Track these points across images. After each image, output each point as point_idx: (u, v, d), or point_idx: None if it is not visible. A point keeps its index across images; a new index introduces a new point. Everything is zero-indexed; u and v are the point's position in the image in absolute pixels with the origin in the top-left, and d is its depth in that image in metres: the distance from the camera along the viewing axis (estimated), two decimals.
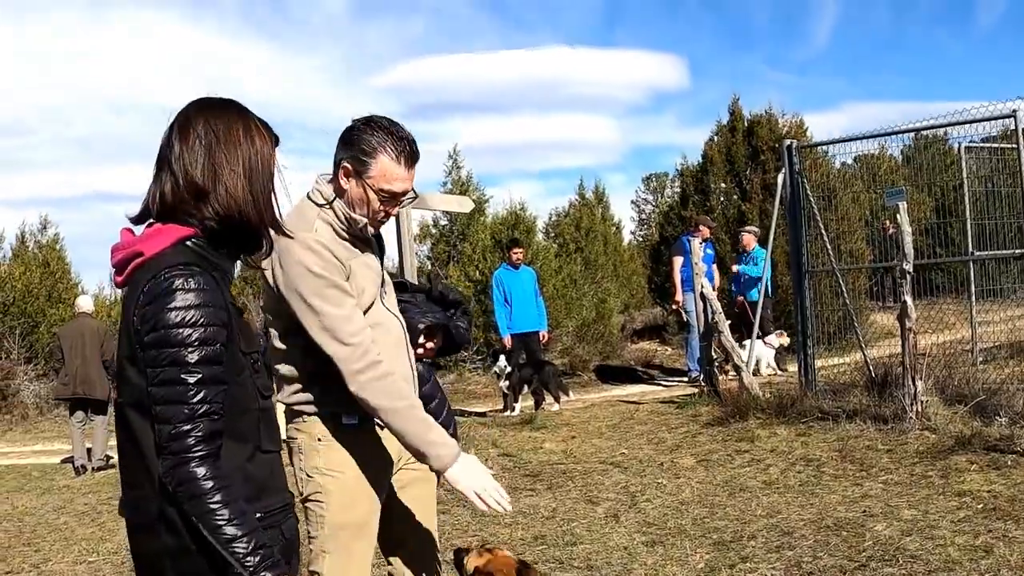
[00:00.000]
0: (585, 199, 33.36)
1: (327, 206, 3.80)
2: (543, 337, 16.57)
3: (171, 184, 2.74)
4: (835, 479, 8.79)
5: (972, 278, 13.67)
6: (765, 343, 16.53)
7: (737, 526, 7.63)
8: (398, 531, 4.14)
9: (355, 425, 3.87)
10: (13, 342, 21.87)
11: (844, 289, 12.69)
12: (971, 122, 11.52)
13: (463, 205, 13.88)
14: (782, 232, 14.87)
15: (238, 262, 2.99)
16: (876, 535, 6.97)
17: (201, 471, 2.52)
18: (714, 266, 17.28)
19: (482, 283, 21.56)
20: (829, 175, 14.68)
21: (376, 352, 3.65)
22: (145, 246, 2.68)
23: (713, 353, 14.06)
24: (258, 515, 2.69)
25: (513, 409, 15.25)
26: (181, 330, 2.54)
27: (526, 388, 15.53)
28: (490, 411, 16.36)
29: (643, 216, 66.72)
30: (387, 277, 4.09)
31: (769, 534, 7.32)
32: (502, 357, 15.36)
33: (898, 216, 10.44)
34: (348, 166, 3.77)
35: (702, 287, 13.92)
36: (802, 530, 7.33)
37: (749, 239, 17.21)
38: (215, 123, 2.77)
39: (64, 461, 14.60)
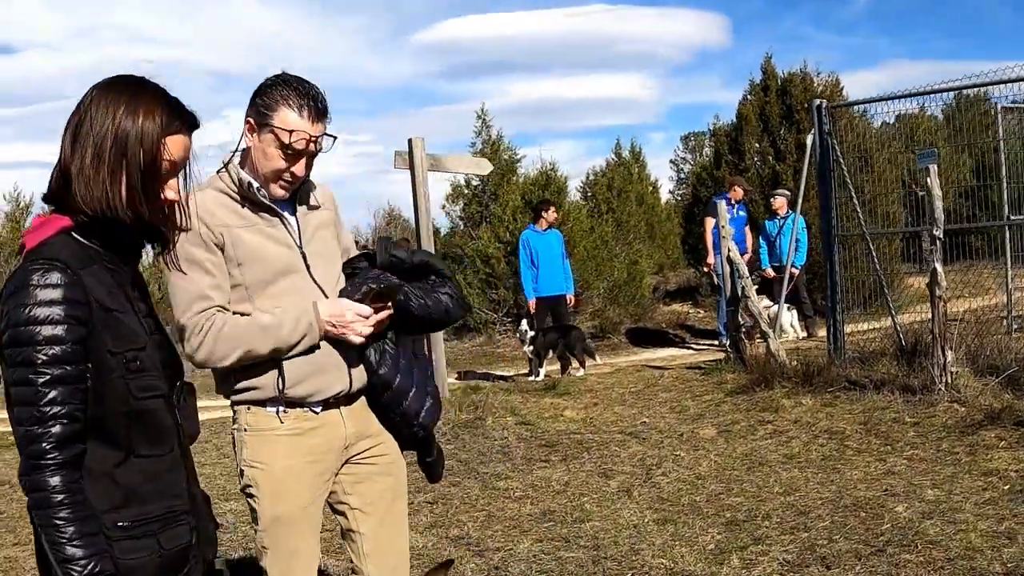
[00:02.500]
0: (621, 158, 32.96)
1: (223, 169, 3.57)
2: (570, 301, 16.28)
3: (56, 169, 2.57)
4: (858, 454, 8.47)
5: (1008, 243, 13.27)
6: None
7: (752, 504, 7.34)
8: (358, 531, 3.83)
9: (281, 412, 3.61)
10: None
11: (875, 254, 12.27)
12: (1013, 81, 11.10)
13: (481, 167, 13.57)
14: (815, 194, 14.44)
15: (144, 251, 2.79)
16: (895, 517, 6.65)
17: (54, 481, 2.39)
18: (747, 228, 16.91)
19: (512, 244, 21.24)
20: (866, 135, 14.24)
21: (213, 321, 3.45)
22: (29, 237, 2.55)
23: (740, 319, 13.69)
24: (122, 524, 2.52)
25: (538, 374, 15.00)
26: (31, 327, 2.39)
27: (551, 352, 15.27)
28: (516, 375, 16.15)
29: (682, 176, 66.17)
30: (328, 248, 3.78)
31: (785, 513, 7.03)
32: (524, 321, 15.17)
33: (928, 180, 10.01)
34: (251, 121, 3.53)
35: (728, 251, 13.51)
36: (819, 509, 7.02)
37: (782, 203, 16.73)
38: (98, 101, 2.55)
39: None
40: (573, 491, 8.17)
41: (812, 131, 12.62)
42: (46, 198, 2.60)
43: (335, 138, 3.61)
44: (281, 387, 3.54)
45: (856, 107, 14.49)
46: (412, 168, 11.53)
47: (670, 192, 55.14)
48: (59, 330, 2.39)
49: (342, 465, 3.76)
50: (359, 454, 3.78)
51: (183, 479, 2.74)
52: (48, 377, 2.38)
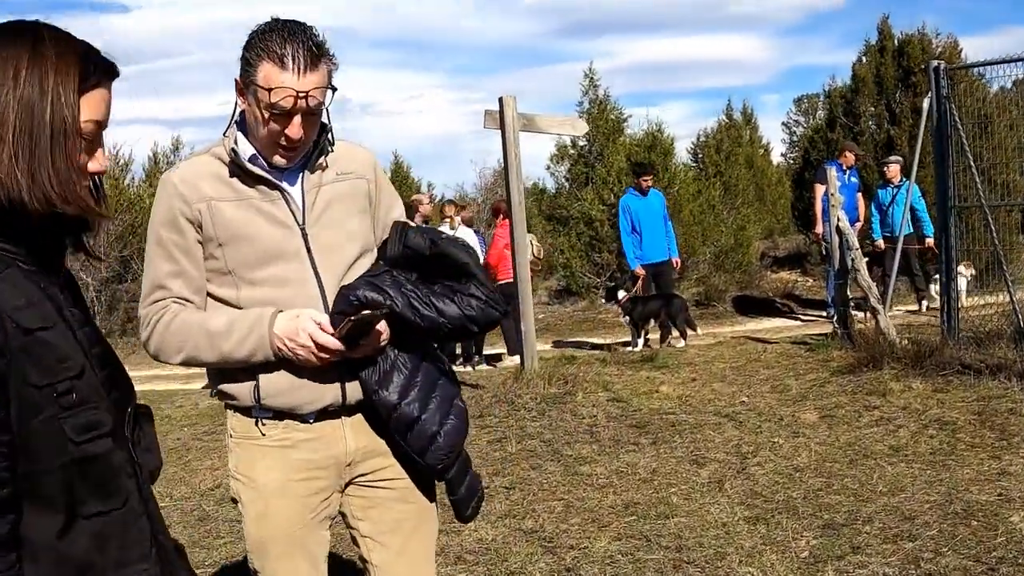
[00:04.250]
0: (732, 120, 32.15)
1: (226, 135, 3.09)
2: (676, 264, 15.69)
3: None
4: (971, 448, 7.80)
5: None
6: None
7: (853, 504, 6.75)
8: (371, 563, 3.33)
9: (268, 420, 3.13)
10: (141, 263, 21.73)
11: (993, 226, 11.47)
12: None
13: (576, 128, 13.02)
14: (931, 160, 13.65)
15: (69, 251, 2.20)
16: (1011, 528, 6.00)
17: None
18: (859, 195, 16.14)
19: (617, 207, 20.84)
20: (985, 101, 13.41)
21: (162, 314, 3.06)
22: None
23: (849, 292, 12.98)
24: None
25: (636, 344, 14.51)
26: None
27: (652, 322, 14.74)
28: (616, 343, 15.68)
29: (794, 139, 64.78)
30: (343, 228, 3.20)
31: (888, 518, 6.42)
32: (620, 292, 14.65)
33: None
34: (238, 81, 3.01)
35: (838, 220, 12.79)
36: (926, 515, 6.40)
37: (895, 171, 15.90)
38: None
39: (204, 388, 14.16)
40: (660, 480, 7.66)
41: (929, 94, 11.85)
42: None
43: (335, 89, 3.05)
44: (257, 398, 3.09)
45: (974, 71, 13.67)
46: (503, 128, 11.04)
47: (782, 155, 53.83)
48: None
49: (347, 485, 3.27)
50: (368, 475, 3.26)
51: (147, 534, 2.20)
52: None
